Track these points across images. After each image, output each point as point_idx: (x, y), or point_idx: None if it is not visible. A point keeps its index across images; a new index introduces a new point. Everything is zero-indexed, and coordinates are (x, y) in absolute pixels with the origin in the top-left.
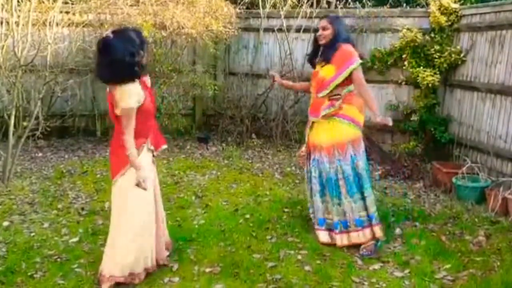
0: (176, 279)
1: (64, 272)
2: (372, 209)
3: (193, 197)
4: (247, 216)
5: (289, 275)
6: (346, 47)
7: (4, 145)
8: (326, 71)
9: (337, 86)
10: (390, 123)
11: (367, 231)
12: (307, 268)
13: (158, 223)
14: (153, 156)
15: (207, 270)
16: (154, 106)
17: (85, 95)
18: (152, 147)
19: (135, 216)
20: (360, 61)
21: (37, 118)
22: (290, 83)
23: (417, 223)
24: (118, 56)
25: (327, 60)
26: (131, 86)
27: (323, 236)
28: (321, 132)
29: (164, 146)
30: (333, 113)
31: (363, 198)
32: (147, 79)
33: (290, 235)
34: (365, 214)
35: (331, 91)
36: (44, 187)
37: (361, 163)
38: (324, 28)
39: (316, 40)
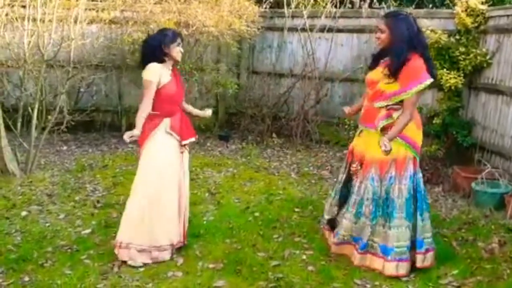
0: (180, 273)
1: (72, 262)
2: (392, 243)
3: (206, 194)
4: (257, 214)
5: (291, 275)
6: (415, 62)
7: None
8: (388, 86)
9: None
10: (387, 153)
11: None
12: (310, 268)
13: (180, 206)
14: (181, 145)
15: (211, 266)
16: (179, 95)
17: (111, 91)
18: (171, 131)
19: (149, 186)
20: (429, 81)
21: (62, 112)
22: (356, 107)
23: None
24: (148, 43)
25: (394, 77)
26: (154, 64)
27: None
28: (371, 145)
29: (192, 139)
30: (388, 125)
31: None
32: (178, 72)
33: (297, 235)
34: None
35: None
36: (64, 180)
37: (397, 188)
38: (380, 30)
39: None
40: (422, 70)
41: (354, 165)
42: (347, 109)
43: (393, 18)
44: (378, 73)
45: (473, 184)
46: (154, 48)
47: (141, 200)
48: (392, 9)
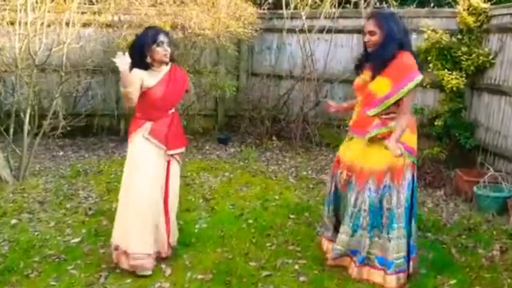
0: (167, 284)
1: (59, 272)
2: (392, 255)
3: (201, 200)
4: (251, 221)
5: (282, 286)
6: (407, 58)
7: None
8: (378, 85)
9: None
10: (397, 154)
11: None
12: (302, 278)
13: (164, 214)
14: (167, 154)
15: (200, 277)
16: (166, 99)
17: (108, 95)
18: (148, 136)
19: (124, 189)
20: (421, 77)
21: (57, 117)
22: (345, 104)
23: (429, 234)
24: (132, 48)
25: (377, 71)
26: (134, 70)
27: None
28: (366, 154)
29: (179, 150)
30: (384, 135)
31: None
32: (177, 71)
33: (291, 243)
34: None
35: (384, 109)
36: (57, 186)
37: (395, 197)
38: (371, 33)
39: (363, 42)
40: (414, 67)
41: (343, 176)
42: (331, 103)
43: (383, 18)
44: (366, 76)
45: (475, 188)
46: (135, 53)
47: (119, 202)
48: (392, 8)
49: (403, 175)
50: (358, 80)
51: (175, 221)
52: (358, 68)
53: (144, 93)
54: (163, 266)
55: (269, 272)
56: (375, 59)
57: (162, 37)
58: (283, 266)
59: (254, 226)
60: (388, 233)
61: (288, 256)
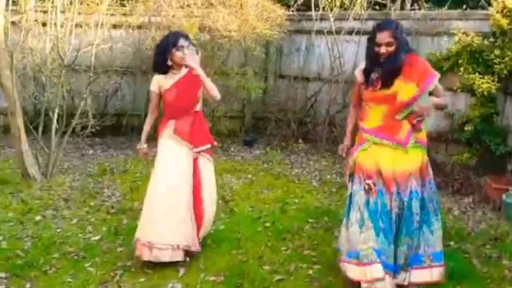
0: (179, 285)
1: (76, 269)
2: (439, 247)
3: (220, 201)
4: (268, 224)
5: None
6: (420, 60)
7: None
8: (406, 91)
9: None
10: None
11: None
12: (316, 284)
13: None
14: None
15: (212, 278)
16: (179, 101)
17: (138, 95)
18: (174, 135)
19: (150, 187)
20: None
21: (87, 116)
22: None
23: (451, 242)
24: (155, 52)
25: (391, 79)
26: (155, 76)
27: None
28: (400, 160)
29: (203, 147)
30: (418, 138)
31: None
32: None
33: (306, 248)
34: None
35: (412, 112)
36: (84, 184)
37: (428, 192)
38: (388, 44)
39: (374, 54)
40: (429, 66)
41: (369, 182)
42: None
43: (397, 29)
44: (395, 86)
45: (504, 196)
46: (158, 57)
47: (146, 193)
48: (423, 10)
49: (427, 171)
50: (388, 91)
51: (211, 218)
52: (373, 81)
53: (162, 96)
54: (177, 266)
55: (282, 276)
56: (390, 68)
57: (181, 41)
58: (297, 271)
59: (271, 230)
60: (429, 227)
61: (302, 261)
